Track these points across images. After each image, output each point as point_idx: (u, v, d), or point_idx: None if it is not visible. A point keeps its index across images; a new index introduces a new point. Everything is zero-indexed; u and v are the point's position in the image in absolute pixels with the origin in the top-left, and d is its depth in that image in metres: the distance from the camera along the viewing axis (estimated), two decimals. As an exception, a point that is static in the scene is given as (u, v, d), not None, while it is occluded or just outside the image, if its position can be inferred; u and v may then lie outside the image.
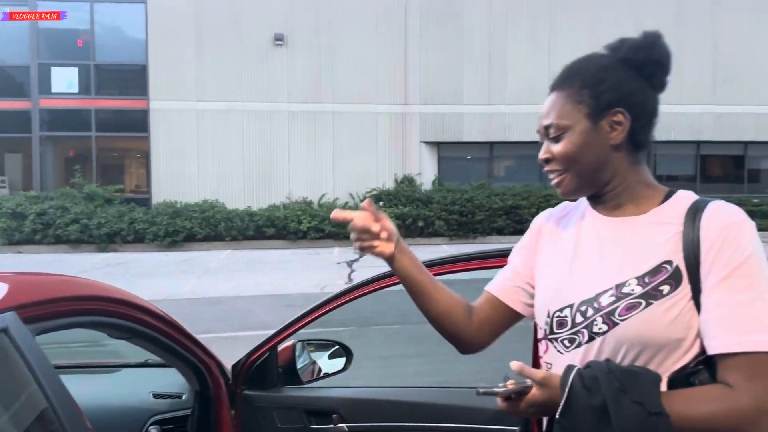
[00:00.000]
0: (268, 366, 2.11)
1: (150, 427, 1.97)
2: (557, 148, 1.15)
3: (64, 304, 1.35)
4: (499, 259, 1.71)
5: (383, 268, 1.51)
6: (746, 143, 18.52)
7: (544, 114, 1.19)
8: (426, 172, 17.01)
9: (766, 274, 1.00)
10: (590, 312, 1.09)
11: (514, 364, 1.03)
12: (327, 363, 2.29)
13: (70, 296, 1.40)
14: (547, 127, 1.17)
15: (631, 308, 1.03)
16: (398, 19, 17.11)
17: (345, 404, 2.02)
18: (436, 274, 1.68)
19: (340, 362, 2.23)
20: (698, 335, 1.02)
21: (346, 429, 2.00)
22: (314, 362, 2.39)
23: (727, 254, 1.01)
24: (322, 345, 2.36)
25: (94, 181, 16.62)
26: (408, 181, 16.99)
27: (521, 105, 17.31)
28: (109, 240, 14.68)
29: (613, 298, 1.06)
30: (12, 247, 14.60)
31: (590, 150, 1.13)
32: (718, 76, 18.04)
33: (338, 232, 15.01)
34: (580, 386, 0.99)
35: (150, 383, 2.22)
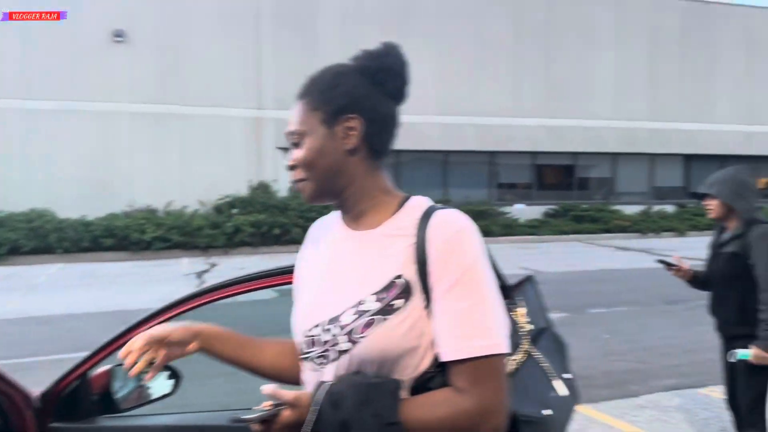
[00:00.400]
0: (80, 393, 1.86)
1: None
2: (298, 154, 1.17)
3: None
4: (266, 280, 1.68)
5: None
6: (576, 154, 20.26)
7: (289, 121, 1.20)
8: (282, 178, 16.69)
9: (487, 279, 1.06)
10: (335, 330, 1.10)
11: (266, 388, 1.03)
12: (153, 388, 2.06)
13: None
14: (290, 134, 1.18)
15: (368, 325, 1.06)
16: (249, 22, 16.68)
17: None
18: (252, 289, 1.63)
19: (168, 385, 2.00)
20: (429, 346, 1.06)
21: None
22: (140, 387, 2.15)
23: (451, 265, 1.05)
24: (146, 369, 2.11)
25: None
26: (263, 188, 16.56)
27: (374, 113, 17.63)
28: None
29: (355, 316, 1.08)
30: None
31: (326, 155, 1.14)
32: (551, 92, 19.59)
33: (186, 242, 14.26)
34: (327, 403, 1.01)
35: None
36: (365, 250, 1.13)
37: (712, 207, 3.05)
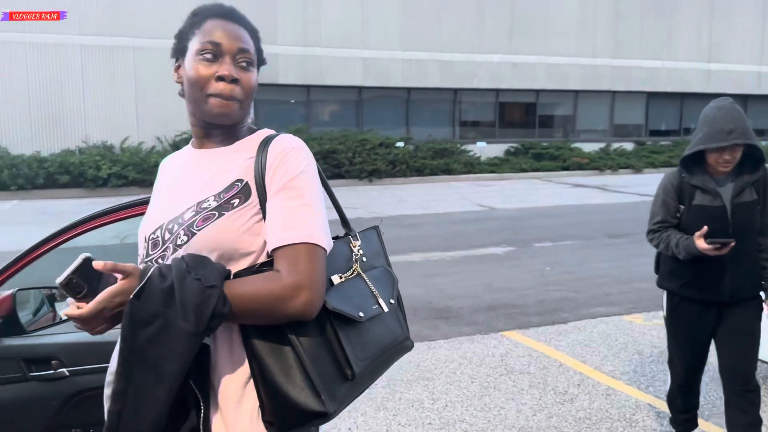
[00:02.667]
0: None
1: None
2: (247, 76, 1.27)
3: None
4: (137, 208, 1.77)
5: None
6: (538, 91, 20.31)
7: (235, 36, 1.27)
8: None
9: (312, 188, 1.22)
10: (175, 227, 1.23)
11: (99, 262, 1.09)
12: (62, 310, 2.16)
13: None
14: (243, 53, 1.26)
15: (206, 219, 1.19)
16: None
17: (65, 349, 1.96)
18: (82, 233, 1.72)
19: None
20: (265, 242, 1.20)
21: (67, 373, 1.95)
22: (53, 310, 2.24)
23: (283, 171, 1.21)
24: (53, 294, 2.21)
25: None
26: (222, 125, 16.32)
27: (336, 48, 17.31)
28: None
29: (193, 213, 1.21)
30: None
31: (254, 91, 1.30)
32: (515, 27, 19.42)
33: (143, 179, 14.12)
34: (157, 273, 1.10)
35: None
36: (212, 162, 1.28)
37: (732, 158, 2.58)
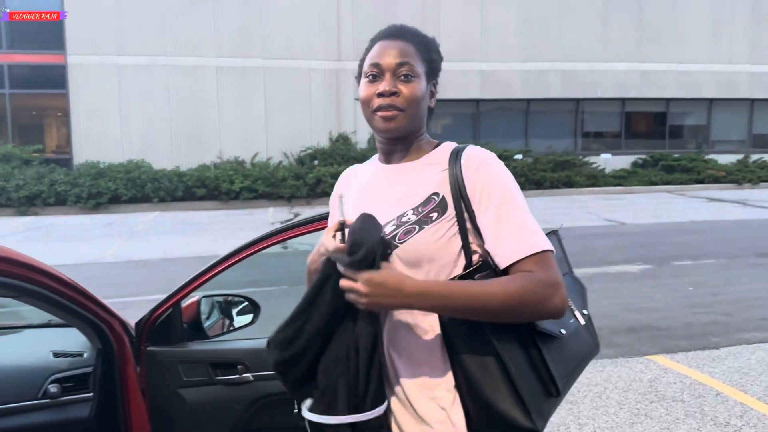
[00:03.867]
0: (172, 321, 2.09)
1: (49, 386, 1.93)
2: (407, 88, 1.29)
3: None
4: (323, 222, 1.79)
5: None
6: (668, 100, 19.21)
7: (395, 53, 1.31)
8: (361, 129, 16.87)
9: (521, 194, 1.26)
10: None
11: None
12: (236, 318, 2.28)
13: None
14: (403, 66, 1.29)
15: (408, 233, 1.24)
16: (329, -29, 16.67)
17: (249, 355, 2.04)
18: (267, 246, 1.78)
19: (248, 317, 2.22)
20: (461, 251, 1.24)
21: (251, 378, 2.03)
22: (223, 318, 2.37)
23: (493, 184, 1.24)
24: (230, 301, 2.34)
25: (10, 141, 15.69)
26: (343, 140, 16.83)
27: (454, 62, 17.32)
28: (28, 203, 13.99)
29: (394, 226, 1.26)
30: None
31: (423, 103, 1.33)
32: (642, 34, 18.53)
33: (271, 192, 14.80)
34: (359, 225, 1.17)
35: (51, 343, 2.16)
36: (403, 176, 1.33)
37: None
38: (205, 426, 2.05)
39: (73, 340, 2.12)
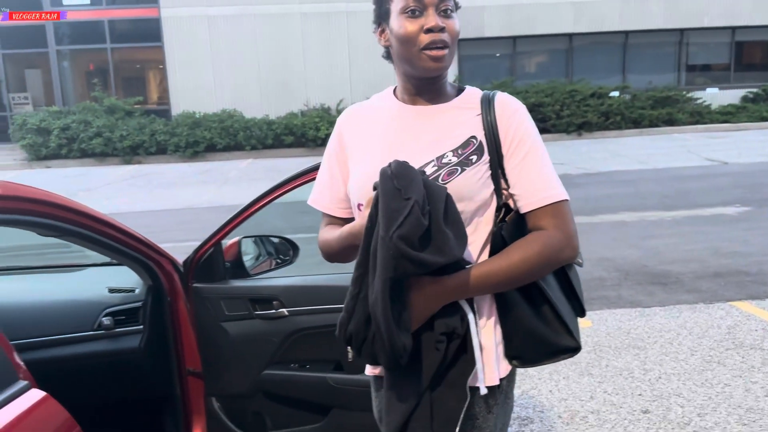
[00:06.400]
0: (215, 260, 2.20)
1: (103, 318, 2.11)
2: (451, 23, 1.28)
3: None
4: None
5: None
6: (787, 27, 17.41)
7: None
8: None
9: (543, 145, 1.32)
10: None
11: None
12: (276, 258, 2.37)
13: None
14: (447, 1, 1.28)
15: (451, 174, 1.27)
16: None
17: (285, 291, 2.14)
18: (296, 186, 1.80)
19: (288, 257, 2.31)
20: (493, 193, 1.30)
21: (286, 313, 2.14)
22: (265, 257, 2.47)
23: (521, 133, 1.29)
24: (270, 242, 2.43)
25: (114, 93, 16.67)
26: (428, 83, 16.57)
27: (545, -5, 16.46)
28: (132, 152, 14.92)
29: (435, 167, 1.28)
30: (40, 163, 14.98)
31: (458, 37, 1.32)
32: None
33: (357, 137, 14.92)
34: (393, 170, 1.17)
35: (109, 280, 2.34)
36: (436, 119, 1.33)
37: None
38: (246, 357, 2.18)
39: (129, 277, 2.29)
